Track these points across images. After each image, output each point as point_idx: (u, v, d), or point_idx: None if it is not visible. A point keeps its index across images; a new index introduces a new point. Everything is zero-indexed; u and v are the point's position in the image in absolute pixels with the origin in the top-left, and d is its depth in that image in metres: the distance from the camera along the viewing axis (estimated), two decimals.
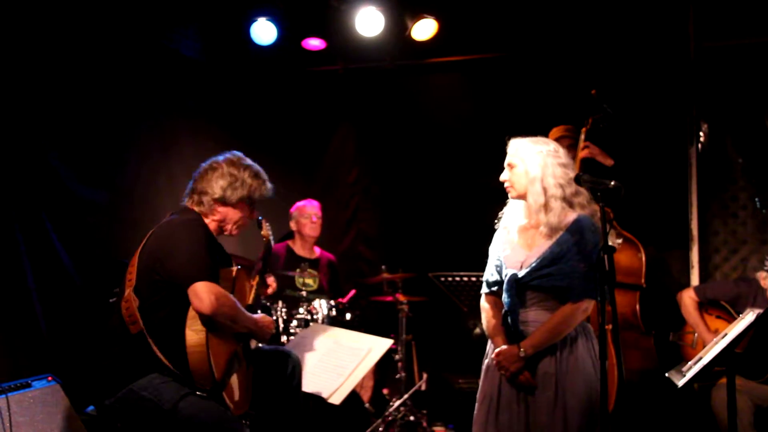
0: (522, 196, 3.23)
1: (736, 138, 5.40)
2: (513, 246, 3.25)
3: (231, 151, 3.47)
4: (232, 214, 3.37)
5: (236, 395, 3.23)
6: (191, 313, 3.04)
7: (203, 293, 2.96)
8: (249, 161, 3.45)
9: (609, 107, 4.71)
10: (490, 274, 3.31)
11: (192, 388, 3.05)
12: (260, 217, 3.74)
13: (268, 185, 3.47)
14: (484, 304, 3.34)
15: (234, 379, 3.23)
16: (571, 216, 3.14)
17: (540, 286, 3.12)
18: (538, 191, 3.14)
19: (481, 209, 3.49)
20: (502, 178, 3.27)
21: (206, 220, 3.33)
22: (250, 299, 3.51)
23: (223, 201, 3.32)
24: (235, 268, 3.35)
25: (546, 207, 3.13)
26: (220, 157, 3.42)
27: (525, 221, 3.26)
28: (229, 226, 3.40)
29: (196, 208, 3.34)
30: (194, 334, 3.02)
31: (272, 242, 3.84)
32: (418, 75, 6.29)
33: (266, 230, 3.78)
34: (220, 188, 3.31)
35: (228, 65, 5.97)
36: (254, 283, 3.62)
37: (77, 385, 3.69)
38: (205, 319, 3.02)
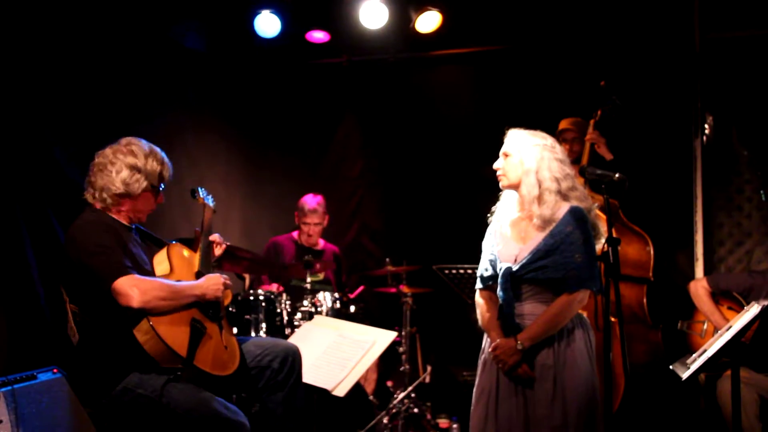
0: (514, 186, 3.24)
1: (742, 130, 5.38)
2: (506, 240, 3.25)
3: (128, 137, 3.35)
4: (141, 205, 3.31)
5: (214, 358, 3.16)
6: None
7: (125, 289, 2.93)
8: (146, 145, 3.33)
9: (617, 98, 4.70)
10: (484, 269, 3.31)
11: (168, 373, 3.02)
12: (194, 188, 3.73)
13: (169, 168, 3.39)
14: (478, 299, 3.35)
15: (206, 346, 3.14)
16: (564, 207, 3.14)
17: (535, 279, 3.12)
18: (533, 183, 3.15)
19: (485, 202, 3.48)
20: (495, 165, 3.28)
21: (111, 214, 3.25)
22: (197, 266, 3.38)
23: (128, 194, 3.24)
24: (165, 247, 3.30)
25: (540, 199, 3.14)
26: (116, 144, 3.30)
27: (517, 214, 3.27)
28: (139, 215, 3.33)
29: (99, 204, 3.24)
30: (139, 326, 2.97)
31: (211, 204, 3.73)
32: (422, 67, 6.27)
33: (201, 198, 3.72)
34: (122, 182, 3.21)
35: (232, 58, 5.97)
36: (198, 249, 3.49)
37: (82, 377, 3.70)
38: (139, 312, 2.95)
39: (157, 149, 3.36)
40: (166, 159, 3.37)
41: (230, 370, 3.23)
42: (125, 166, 3.22)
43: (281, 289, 4.69)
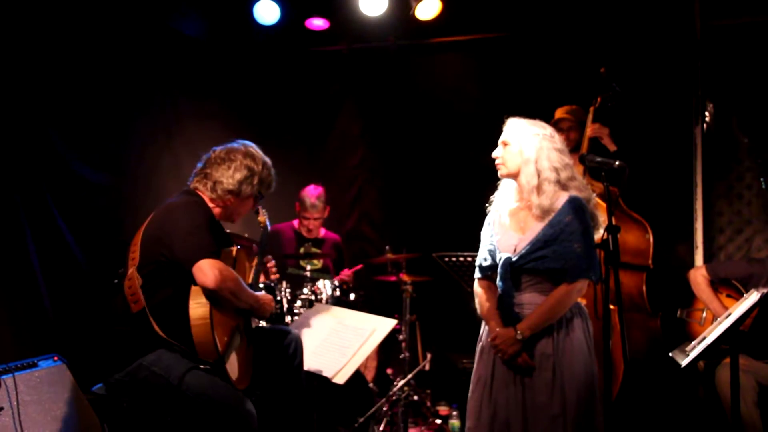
0: (512, 176, 3.24)
1: (742, 118, 5.37)
2: (505, 230, 3.25)
3: (243, 140, 3.51)
4: (240, 206, 3.47)
5: (236, 370, 3.27)
6: (194, 288, 3.09)
7: (207, 268, 3.02)
8: (263, 155, 3.50)
9: (617, 85, 4.69)
10: (483, 259, 3.32)
11: (196, 362, 3.10)
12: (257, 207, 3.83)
13: (275, 182, 3.56)
14: (477, 289, 3.36)
15: (235, 354, 3.27)
16: (563, 197, 3.14)
17: (535, 269, 3.12)
18: (532, 172, 3.14)
19: (485, 190, 3.48)
20: (494, 154, 3.28)
21: (211, 204, 3.39)
22: (249, 279, 3.55)
23: (237, 193, 3.39)
24: (234, 248, 3.40)
25: (538, 189, 3.14)
26: (236, 144, 3.47)
27: (516, 204, 3.27)
28: (233, 215, 3.48)
29: (207, 194, 3.39)
30: (198, 307, 3.08)
31: (269, 228, 3.86)
32: (422, 55, 6.25)
33: (263, 217, 3.82)
34: (237, 181, 3.37)
35: (231, 46, 5.95)
36: (253, 264, 3.67)
37: (83, 364, 3.71)
38: (209, 294, 3.07)
39: (269, 161, 3.51)
40: (273, 174, 3.54)
41: (244, 384, 3.32)
42: (244, 166, 3.39)
43: None
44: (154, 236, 3.19)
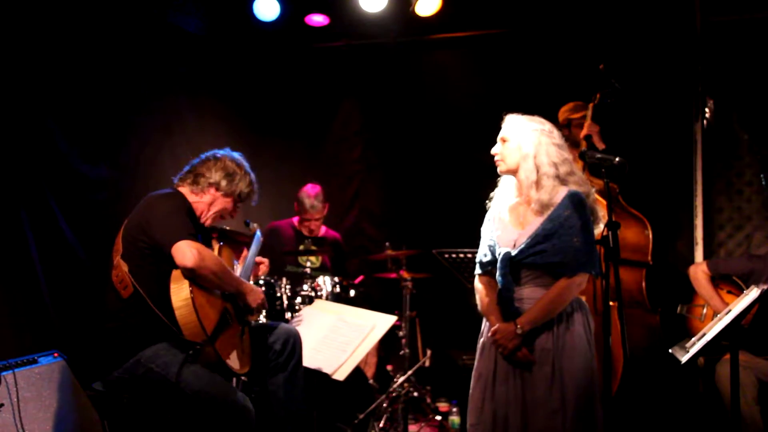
0: (512, 171, 3.24)
1: (742, 114, 5.37)
2: (504, 225, 3.26)
3: (227, 149, 3.69)
4: (219, 202, 3.55)
5: (233, 355, 3.28)
6: (175, 273, 3.15)
7: (186, 248, 3.09)
8: (248, 166, 3.69)
9: (617, 82, 4.68)
10: (483, 255, 3.32)
11: (188, 346, 3.12)
12: (248, 221, 4.05)
13: (256, 196, 3.72)
14: (477, 284, 3.36)
15: (227, 338, 3.29)
16: (562, 192, 3.14)
17: (534, 264, 3.12)
18: (531, 168, 3.15)
19: (485, 186, 3.48)
20: (493, 151, 3.28)
21: (191, 197, 3.48)
22: (237, 274, 3.59)
23: (216, 187, 3.52)
24: (217, 245, 3.52)
25: (537, 184, 3.14)
26: (224, 151, 3.64)
27: (515, 199, 3.27)
28: (211, 213, 3.55)
29: (187, 187, 3.51)
30: (179, 291, 3.12)
31: (260, 236, 4.00)
32: (422, 51, 6.25)
33: (254, 228, 4.03)
34: (219, 176, 3.53)
35: (231, 42, 5.94)
36: (240, 262, 3.76)
37: (83, 361, 3.71)
38: (190, 275, 3.12)
39: (253, 174, 3.70)
40: (256, 188, 3.71)
41: (243, 370, 3.36)
42: (229, 167, 3.58)
43: None
44: (135, 225, 3.28)
